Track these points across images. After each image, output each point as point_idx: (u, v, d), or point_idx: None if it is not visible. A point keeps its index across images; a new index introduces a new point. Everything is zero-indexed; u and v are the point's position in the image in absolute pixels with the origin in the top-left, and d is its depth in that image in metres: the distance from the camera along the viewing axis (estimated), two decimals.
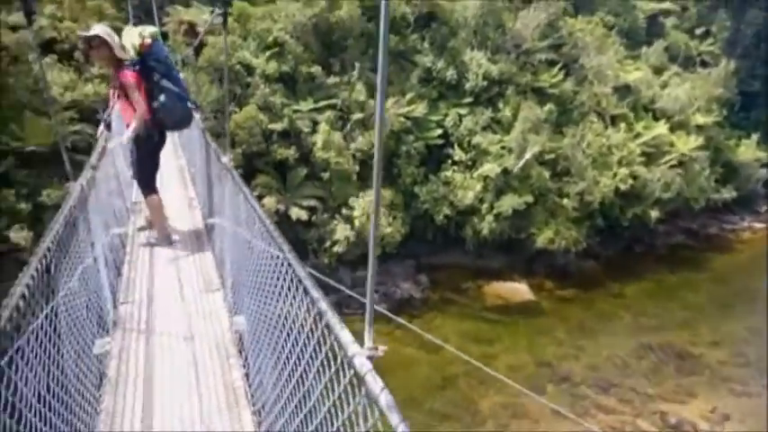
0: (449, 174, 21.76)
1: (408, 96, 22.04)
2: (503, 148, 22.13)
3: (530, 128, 21.75)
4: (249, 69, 20.58)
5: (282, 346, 2.40)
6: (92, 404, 2.78)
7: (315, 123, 20.13)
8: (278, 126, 19.09)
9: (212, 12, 23.96)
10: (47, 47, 19.02)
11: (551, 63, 24.37)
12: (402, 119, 21.19)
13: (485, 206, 21.37)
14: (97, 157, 4.50)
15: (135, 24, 22.20)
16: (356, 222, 19.05)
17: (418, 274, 20.26)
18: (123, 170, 6.27)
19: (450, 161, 22.11)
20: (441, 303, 18.73)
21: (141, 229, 5.40)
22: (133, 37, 4.70)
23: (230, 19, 22.89)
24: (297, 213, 17.76)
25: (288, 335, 2.31)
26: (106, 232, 4.02)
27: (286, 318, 2.35)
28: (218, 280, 4.45)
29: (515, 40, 23.91)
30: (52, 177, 15.24)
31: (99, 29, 4.55)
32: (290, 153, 18.85)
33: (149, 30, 4.87)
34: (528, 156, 21.68)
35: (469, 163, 22.16)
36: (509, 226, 21.40)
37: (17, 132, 15.22)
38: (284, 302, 2.35)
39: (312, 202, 18.68)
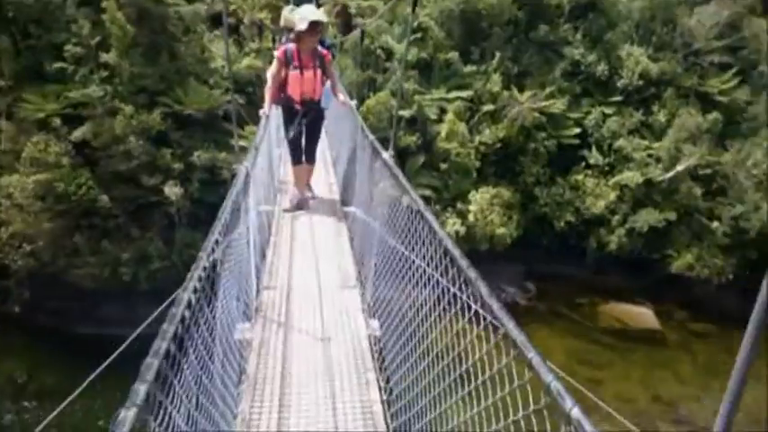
0: (579, 177, 20.28)
1: (548, 90, 20.88)
2: (649, 155, 19.94)
3: (686, 137, 19.24)
4: (389, 55, 21.16)
5: (432, 361, 2.31)
6: (231, 399, 2.73)
7: (442, 112, 20.10)
8: (406, 113, 19.44)
9: None
10: (215, 20, 21.69)
11: (724, 67, 21.18)
12: (536, 114, 20.16)
13: (616, 218, 19.57)
14: (259, 138, 4.48)
15: (296, 4, 23.97)
16: (470, 217, 18.76)
17: (526, 281, 19.34)
18: (275, 147, 6.64)
19: (583, 164, 20.57)
20: (548, 316, 17.67)
21: (286, 210, 5.73)
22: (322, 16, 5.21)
23: (380, 2, 23.74)
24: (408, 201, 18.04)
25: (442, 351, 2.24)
26: (255, 210, 3.97)
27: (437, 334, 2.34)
28: (355, 276, 4.42)
29: (685, 37, 21.15)
30: (204, 141, 17.46)
31: (322, 15, 5.14)
32: (413, 140, 19.11)
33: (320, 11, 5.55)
34: (680, 168, 19.25)
35: (606, 168, 20.39)
36: (642, 244, 19.35)
37: (180, 96, 17.63)
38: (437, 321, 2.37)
39: (427, 192, 18.81)
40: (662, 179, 19.10)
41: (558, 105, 20.63)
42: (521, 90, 20.84)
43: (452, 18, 22.26)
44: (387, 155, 4.03)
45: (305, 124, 5.46)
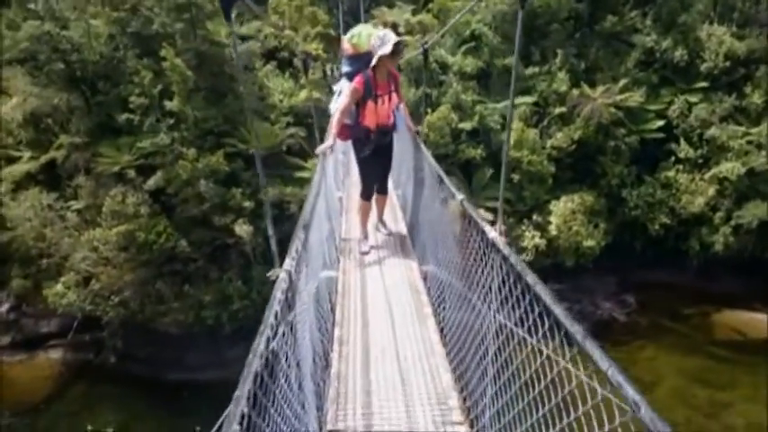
0: (670, 174, 18.96)
1: (622, 83, 19.86)
2: (749, 143, 18.38)
3: None
4: (444, 68, 20.92)
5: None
6: None
7: (506, 120, 19.48)
8: (467, 125, 19.05)
9: (414, 10, 25.32)
10: (269, 55, 22.31)
11: None
12: (612, 109, 19.16)
13: (719, 215, 18.07)
14: (315, 190, 4.03)
15: (345, 30, 24.36)
16: (551, 229, 17.89)
17: (623, 293, 18.10)
18: (335, 191, 6.20)
19: (672, 159, 19.26)
20: (652, 331, 16.32)
21: (365, 253, 5.46)
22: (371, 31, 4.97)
23: (429, 15, 23.68)
24: (483, 215, 17.44)
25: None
26: (315, 277, 3.60)
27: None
28: (439, 345, 3.99)
29: None
30: (270, 178, 17.78)
31: (394, 37, 4.67)
32: (478, 152, 18.63)
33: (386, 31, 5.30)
34: None
35: (700, 161, 18.98)
36: (753, 242, 17.73)
37: (245, 136, 18.09)
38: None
39: (497, 204, 18.13)
40: None
41: (636, 98, 19.55)
42: (591, 86, 19.93)
43: (507, 21, 21.76)
44: (493, 233, 3.04)
45: (382, 153, 5.30)
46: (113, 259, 14.80)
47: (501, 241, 2.73)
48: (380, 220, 5.92)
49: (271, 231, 2.77)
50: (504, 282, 2.55)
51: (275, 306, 1.97)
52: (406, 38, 21.75)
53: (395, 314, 4.28)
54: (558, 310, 1.88)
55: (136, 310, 15.07)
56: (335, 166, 7.17)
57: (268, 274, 2.41)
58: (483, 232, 2.97)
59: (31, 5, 16.44)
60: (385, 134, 5.13)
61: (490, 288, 2.84)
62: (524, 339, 2.25)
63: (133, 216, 15.02)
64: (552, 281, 17.53)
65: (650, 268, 18.17)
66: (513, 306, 2.39)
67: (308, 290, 3.25)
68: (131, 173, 15.83)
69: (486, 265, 2.94)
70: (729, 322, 17.05)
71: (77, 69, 16.83)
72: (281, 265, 2.39)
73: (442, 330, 4.00)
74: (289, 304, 2.24)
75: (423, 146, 5.31)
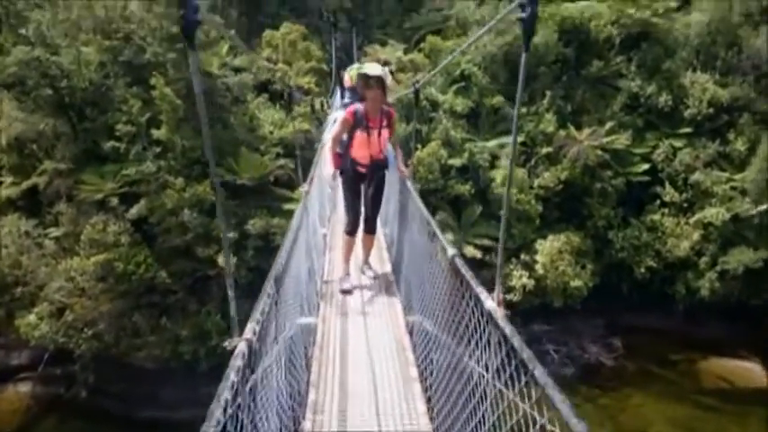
0: (656, 217, 19.16)
1: (608, 126, 20.28)
2: (733, 188, 18.69)
3: None
4: (435, 105, 21.24)
5: None
6: None
7: (494, 158, 19.71)
8: (457, 161, 19.20)
9: (406, 49, 25.85)
10: (262, 88, 22.53)
11: None
12: (599, 151, 19.47)
13: (704, 260, 18.17)
14: (294, 231, 3.87)
15: (338, 66, 24.63)
16: (538, 269, 17.86)
17: (610, 336, 17.95)
18: (316, 230, 5.93)
19: (658, 202, 19.50)
20: (639, 377, 16.13)
21: (345, 291, 5.34)
22: (386, 74, 4.91)
23: (420, 55, 24.20)
24: (471, 252, 17.42)
25: None
26: (290, 324, 3.42)
27: None
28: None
29: (754, 59, 20.26)
30: (257, 208, 17.66)
31: (380, 70, 4.77)
32: (467, 189, 18.72)
33: (381, 67, 5.21)
34: None
35: (685, 205, 19.22)
36: (739, 288, 17.79)
37: (232, 166, 18.03)
38: None
39: (486, 242, 18.15)
40: (753, 213, 17.70)
41: (622, 141, 19.93)
42: (578, 128, 20.32)
43: (496, 62, 22.31)
44: (490, 303, 2.74)
45: (371, 189, 5.26)
46: (89, 290, 14.41)
47: (500, 314, 2.37)
48: (366, 262, 5.71)
49: (231, 294, 2.44)
50: (503, 361, 2.30)
51: (228, 387, 1.79)
52: (398, 75, 22.16)
53: (377, 376, 3.87)
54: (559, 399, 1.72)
55: (110, 343, 14.59)
56: (321, 201, 7.05)
57: (224, 344, 2.17)
58: (478, 300, 2.58)
59: (23, 31, 16.46)
60: (378, 168, 5.13)
61: (485, 361, 2.59)
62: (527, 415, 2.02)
63: (113, 245, 14.72)
64: (540, 321, 17.46)
65: (637, 311, 18.08)
66: (510, 380, 2.19)
67: (283, 337, 3.05)
68: (114, 201, 15.62)
69: (481, 336, 2.65)
70: (716, 370, 16.92)
71: (66, 96, 16.77)
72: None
73: (429, 399, 3.62)
74: (246, 379, 2.04)
75: (411, 187, 5.09)
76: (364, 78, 4.76)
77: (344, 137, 5.03)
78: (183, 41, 18.68)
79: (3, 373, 15.99)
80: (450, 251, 3.07)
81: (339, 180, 5.49)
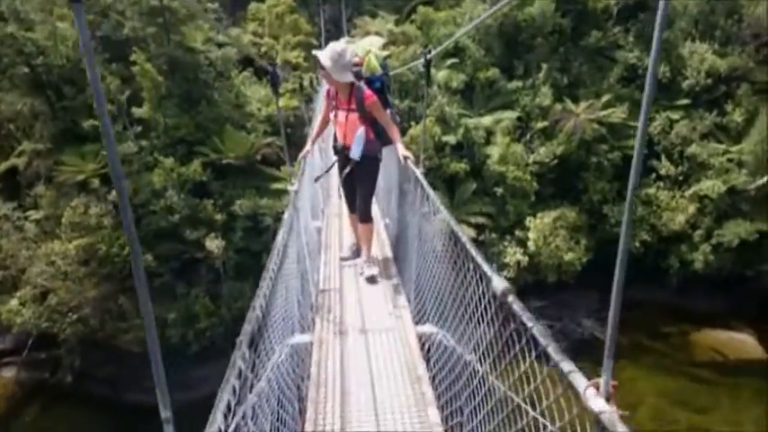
0: (651, 191, 19.18)
1: (604, 99, 20.15)
2: (729, 161, 18.71)
3: None
4: (430, 81, 20.97)
5: None
6: None
7: (489, 134, 19.59)
8: (451, 138, 19.05)
9: (397, 20, 25.42)
10: (247, 63, 22.15)
11: None
12: (595, 125, 19.39)
13: (699, 233, 18.29)
14: (284, 234, 3.26)
15: (327, 39, 24.15)
16: (530, 245, 17.93)
17: (604, 311, 17.99)
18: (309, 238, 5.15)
19: (653, 176, 19.50)
20: (632, 350, 16.31)
21: (343, 259, 5.27)
22: (375, 49, 4.62)
23: (413, 26, 23.82)
24: (465, 231, 17.35)
25: None
26: (280, 345, 3.04)
27: None
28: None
29: (754, 29, 20.05)
30: (245, 188, 17.53)
31: (326, 51, 4.33)
32: (461, 166, 18.61)
33: (381, 41, 4.86)
34: None
35: (680, 178, 19.26)
36: (732, 260, 17.95)
37: (217, 145, 17.83)
38: None
39: (481, 220, 18.15)
40: (749, 186, 17.74)
41: (618, 114, 19.81)
42: (574, 101, 20.17)
43: (490, 34, 22.03)
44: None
45: (346, 172, 4.95)
46: (72, 274, 14.33)
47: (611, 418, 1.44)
48: (362, 255, 5.24)
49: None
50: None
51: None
52: (390, 48, 21.82)
53: (383, 403, 3.25)
54: None
55: (95, 327, 14.59)
56: (314, 192, 6.43)
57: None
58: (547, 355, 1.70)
59: None
60: (341, 153, 4.77)
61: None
62: None
63: (96, 228, 14.61)
64: (534, 297, 17.55)
65: (631, 286, 17.85)
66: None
67: (273, 363, 2.69)
68: (95, 182, 15.45)
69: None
70: (709, 342, 17.17)
71: (42, 73, 16.48)
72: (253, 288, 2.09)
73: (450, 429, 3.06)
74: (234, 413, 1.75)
75: (420, 175, 4.14)
76: (315, 58, 4.49)
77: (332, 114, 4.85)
78: (162, 16, 18.36)
79: None
80: (499, 285, 2.10)
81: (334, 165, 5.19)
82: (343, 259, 5.32)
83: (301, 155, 4.96)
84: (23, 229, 15.36)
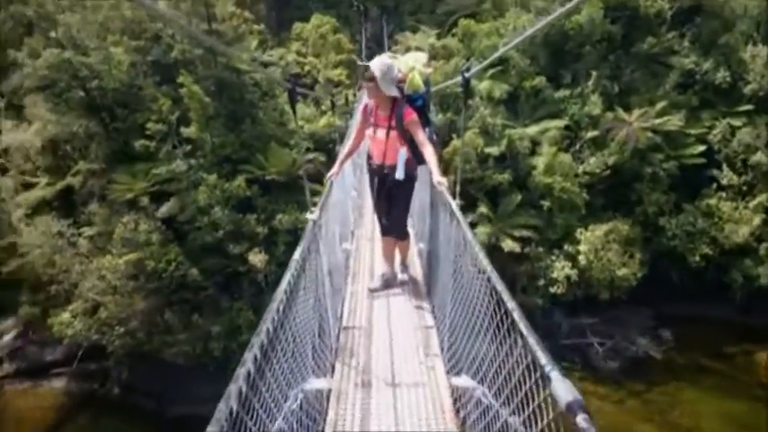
0: (712, 202, 18.35)
1: (659, 106, 19.52)
2: None
3: None
4: (470, 92, 20.97)
5: None
6: None
7: (535, 144, 19.31)
8: (494, 149, 18.91)
9: (438, 34, 25.64)
10: (292, 81, 22.80)
11: None
12: (649, 134, 18.79)
13: (764, 246, 17.32)
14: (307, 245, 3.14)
15: (368, 56, 24.61)
16: (581, 260, 17.42)
17: (659, 328, 17.35)
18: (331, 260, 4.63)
19: (714, 186, 18.68)
20: (690, 370, 15.52)
21: (373, 290, 5.08)
22: (419, 66, 4.50)
23: (454, 39, 23.95)
24: (509, 245, 17.15)
25: None
26: (295, 390, 2.78)
27: None
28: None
29: None
30: (287, 204, 17.98)
31: (376, 62, 4.25)
32: (505, 177, 18.40)
33: (423, 55, 4.72)
34: None
35: (744, 188, 18.38)
36: None
37: (261, 162, 18.42)
38: None
39: (526, 233, 17.83)
40: None
41: (674, 122, 19.13)
42: (626, 110, 19.64)
43: (535, 44, 21.83)
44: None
45: (384, 193, 4.83)
46: (121, 288, 15.06)
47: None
48: (389, 279, 5.22)
49: None
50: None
51: None
52: (431, 63, 21.99)
53: None
54: None
55: (143, 340, 15.22)
56: (344, 213, 6.09)
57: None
58: None
59: (53, 34, 17.31)
60: (381, 173, 4.66)
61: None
62: None
63: (144, 244, 15.31)
64: (585, 314, 17.05)
65: (689, 301, 17.34)
66: None
67: (286, 409, 2.52)
68: (145, 200, 16.23)
69: None
70: None
71: (96, 96, 17.55)
72: None
73: None
74: None
75: (455, 207, 3.73)
76: (363, 68, 4.47)
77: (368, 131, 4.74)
78: (209, 39, 19.26)
79: (38, 369, 16.95)
80: (565, 395, 1.47)
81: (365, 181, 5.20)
82: (372, 290, 5.08)
83: (328, 176, 4.67)
84: (77, 245, 16.29)
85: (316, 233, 3.54)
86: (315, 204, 3.91)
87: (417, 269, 5.59)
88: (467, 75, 3.88)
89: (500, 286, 2.39)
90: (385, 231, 5.07)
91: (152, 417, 14.64)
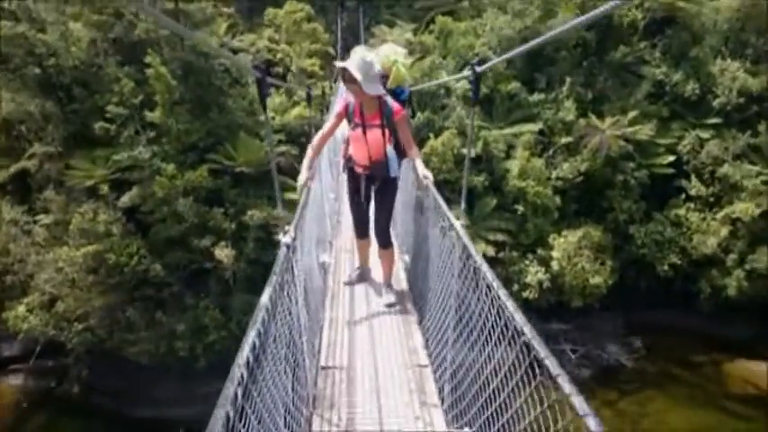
0: (681, 212, 18.98)
1: (631, 115, 20.01)
2: (764, 183, 18.47)
3: None
4: (448, 92, 20.98)
5: None
6: None
7: (510, 147, 19.49)
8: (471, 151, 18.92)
9: (415, 29, 25.51)
10: (261, 70, 22.19)
11: None
12: (621, 142, 19.25)
13: (732, 257, 18.02)
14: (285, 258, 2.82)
15: (343, 47, 24.18)
16: (554, 265, 17.69)
17: (630, 336, 17.84)
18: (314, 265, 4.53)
19: (683, 196, 19.32)
20: (661, 379, 16.01)
21: (347, 284, 5.11)
22: (401, 59, 4.40)
23: (431, 36, 23.89)
24: (482, 248, 17.22)
25: None
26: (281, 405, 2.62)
27: None
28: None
29: None
30: (258, 198, 17.43)
31: (356, 61, 4.04)
32: (480, 180, 18.48)
33: (404, 50, 4.59)
34: None
35: (712, 200, 19.05)
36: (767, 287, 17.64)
37: (230, 151, 17.78)
38: None
39: (500, 237, 17.97)
40: None
41: (645, 131, 19.67)
42: (599, 117, 20.07)
43: (513, 46, 22.00)
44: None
45: (374, 195, 4.69)
46: (80, 282, 14.24)
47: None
48: (363, 272, 5.22)
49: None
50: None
51: None
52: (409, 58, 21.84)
53: None
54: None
55: (103, 337, 14.48)
56: (320, 223, 5.59)
57: None
58: None
59: (6, 4, 16.15)
60: (378, 171, 4.48)
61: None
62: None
63: (104, 235, 14.53)
64: (557, 320, 17.31)
65: (659, 310, 17.95)
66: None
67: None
68: (104, 188, 15.40)
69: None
70: (743, 373, 16.81)
71: (53, 75, 16.52)
72: None
73: None
74: None
75: (441, 200, 3.72)
76: (341, 70, 4.14)
77: (344, 132, 4.63)
78: (176, 19, 18.44)
79: None
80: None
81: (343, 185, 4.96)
82: (346, 284, 5.07)
83: (302, 181, 4.15)
84: (32, 234, 15.31)
85: (290, 259, 2.98)
86: (289, 223, 3.21)
87: (403, 286, 5.14)
88: (478, 69, 3.29)
89: (519, 317, 1.98)
90: (361, 234, 4.93)
91: (113, 418, 14.00)
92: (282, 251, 2.83)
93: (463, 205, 3.67)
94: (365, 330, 4.29)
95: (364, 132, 4.38)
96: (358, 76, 3.97)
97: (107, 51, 18.03)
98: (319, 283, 4.73)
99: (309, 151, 4.44)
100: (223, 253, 15.46)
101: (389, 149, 4.37)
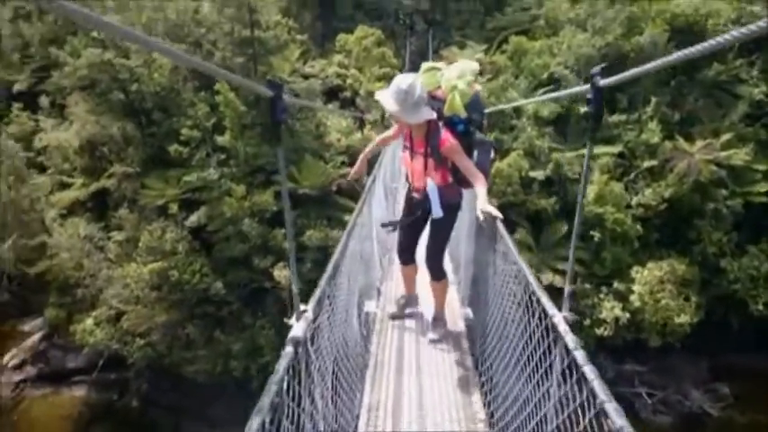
0: None
1: (724, 138, 18.64)
2: None
3: None
4: (517, 112, 20.61)
5: None
6: None
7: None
8: (539, 173, 18.38)
9: (486, 50, 25.39)
10: (332, 94, 22.93)
11: None
12: (713, 167, 17.92)
13: None
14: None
15: (411, 70, 24.64)
16: (634, 300, 16.60)
17: (715, 381, 16.28)
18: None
19: None
20: (752, 431, 14.44)
21: (393, 317, 4.79)
22: (461, 83, 3.91)
23: (504, 56, 23.67)
24: (550, 278, 16.49)
25: None
26: None
27: None
28: None
29: None
30: (317, 219, 17.84)
31: (389, 95, 3.78)
32: (549, 203, 17.81)
33: (473, 66, 4.11)
34: None
35: None
36: None
37: (294, 174, 18.38)
38: None
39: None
40: None
41: (741, 155, 18.22)
42: (687, 140, 18.84)
43: (591, 63, 21.27)
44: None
45: (418, 221, 4.43)
46: (144, 298, 15.13)
47: None
48: (410, 301, 4.91)
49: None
50: None
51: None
52: (480, 79, 21.74)
53: None
54: None
55: (163, 353, 15.22)
56: (367, 255, 4.94)
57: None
58: None
59: (94, 34, 17.79)
60: (416, 201, 4.28)
61: None
62: None
63: (170, 253, 15.38)
64: (633, 360, 16.17)
65: (750, 354, 16.32)
66: None
67: None
68: (174, 207, 16.35)
69: None
70: None
71: (135, 99, 17.93)
72: None
73: None
74: None
75: (509, 242, 3.28)
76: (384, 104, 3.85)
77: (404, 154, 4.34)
78: (251, 46, 19.48)
79: (59, 375, 17.18)
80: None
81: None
82: (392, 317, 4.73)
83: (351, 175, 4.36)
84: (105, 250, 16.51)
85: (301, 359, 2.17)
86: (307, 300, 2.42)
87: (459, 325, 4.62)
88: (601, 83, 2.36)
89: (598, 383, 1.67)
90: (406, 260, 4.59)
91: None
92: (287, 355, 1.99)
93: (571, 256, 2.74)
94: (414, 384, 3.79)
95: (411, 159, 4.17)
96: (393, 107, 3.73)
97: (185, 78, 19.35)
98: (356, 347, 3.96)
99: (366, 149, 4.43)
100: (282, 273, 15.87)
101: (430, 184, 4.06)
